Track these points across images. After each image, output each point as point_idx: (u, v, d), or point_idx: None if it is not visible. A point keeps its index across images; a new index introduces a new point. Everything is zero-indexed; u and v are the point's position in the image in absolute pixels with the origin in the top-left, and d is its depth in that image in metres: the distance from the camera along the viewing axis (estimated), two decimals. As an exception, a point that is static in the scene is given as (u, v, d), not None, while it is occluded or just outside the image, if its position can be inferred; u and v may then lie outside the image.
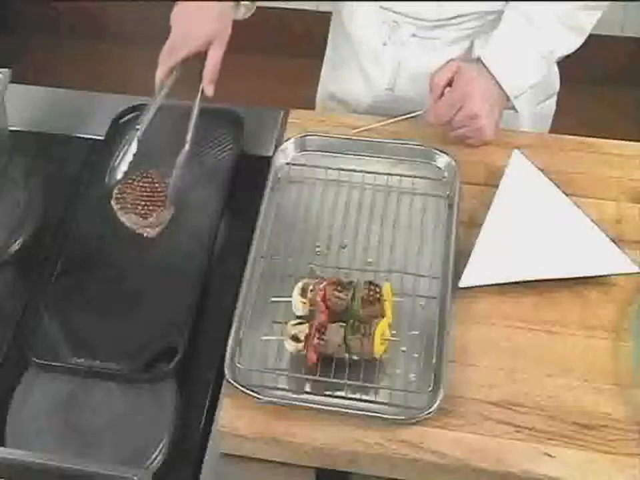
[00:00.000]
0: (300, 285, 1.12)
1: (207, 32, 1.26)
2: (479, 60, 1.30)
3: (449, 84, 1.30)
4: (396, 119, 1.35)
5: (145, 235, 1.25)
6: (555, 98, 1.57)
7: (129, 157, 1.26)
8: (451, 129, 1.31)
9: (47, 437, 1.08)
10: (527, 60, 1.31)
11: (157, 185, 1.26)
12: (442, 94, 1.29)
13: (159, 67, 1.27)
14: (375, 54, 1.45)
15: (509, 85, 1.30)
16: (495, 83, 1.29)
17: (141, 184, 1.26)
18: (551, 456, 1.03)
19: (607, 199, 1.27)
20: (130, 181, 1.26)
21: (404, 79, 1.45)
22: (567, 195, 1.24)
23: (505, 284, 1.16)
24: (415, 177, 1.28)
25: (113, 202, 1.25)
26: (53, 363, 1.13)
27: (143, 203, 1.24)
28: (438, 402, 1.04)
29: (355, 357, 1.08)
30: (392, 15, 1.39)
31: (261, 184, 1.28)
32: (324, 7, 2.62)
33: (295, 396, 1.08)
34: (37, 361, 1.12)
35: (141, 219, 1.24)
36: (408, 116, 1.35)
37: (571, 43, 1.34)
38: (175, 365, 1.11)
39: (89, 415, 1.09)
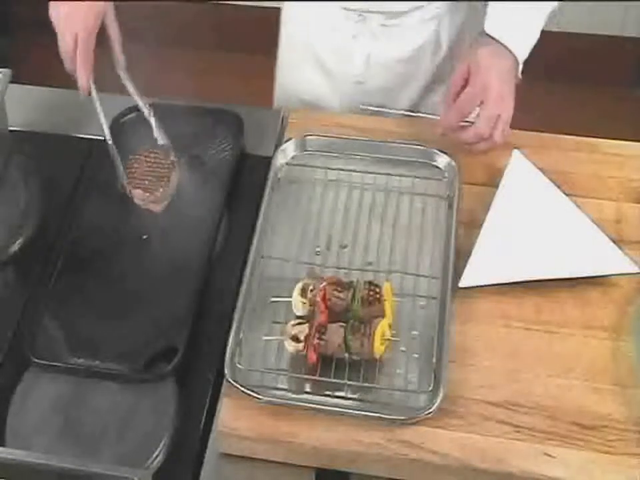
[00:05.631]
0: (300, 285, 1.12)
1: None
2: (484, 38, 1.28)
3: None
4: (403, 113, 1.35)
5: (151, 209, 1.25)
6: None
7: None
8: (463, 137, 1.29)
9: (47, 437, 1.08)
10: (530, 17, 1.30)
11: (162, 162, 1.26)
12: (455, 99, 1.28)
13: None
14: (341, 49, 1.45)
15: (519, 48, 1.28)
16: (508, 56, 1.28)
17: (147, 159, 1.26)
18: (551, 456, 1.03)
19: (607, 199, 1.27)
20: (138, 156, 1.27)
21: (375, 70, 1.45)
22: (566, 195, 1.24)
23: (504, 284, 1.16)
24: (415, 177, 1.28)
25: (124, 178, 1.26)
26: (53, 363, 1.13)
27: (149, 178, 1.25)
28: (438, 402, 1.04)
29: (355, 357, 1.08)
30: (356, 11, 1.40)
31: (261, 184, 1.28)
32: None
33: (294, 396, 1.08)
34: (37, 360, 1.12)
35: (147, 194, 1.24)
36: (419, 115, 1.35)
37: None
38: (175, 364, 1.11)
39: (89, 414, 1.09)
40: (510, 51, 1.27)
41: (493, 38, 1.27)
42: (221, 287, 1.21)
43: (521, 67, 1.30)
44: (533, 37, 1.30)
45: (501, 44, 1.27)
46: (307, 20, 1.47)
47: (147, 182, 1.25)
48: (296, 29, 1.51)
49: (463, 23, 1.47)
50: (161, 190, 1.24)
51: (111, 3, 1.25)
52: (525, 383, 1.09)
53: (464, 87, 1.28)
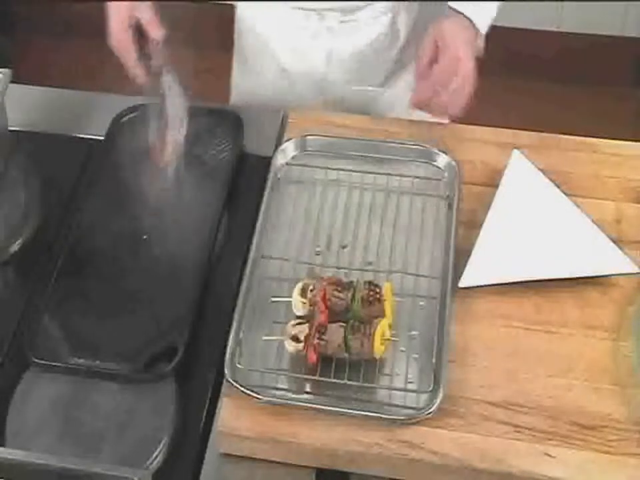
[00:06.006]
0: (300, 285, 1.12)
1: None
2: (448, 12, 1.30)
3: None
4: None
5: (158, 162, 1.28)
6: None
7: None
8: (433, 111, 1.30)
9: (47, 437, 1.08)
10: None
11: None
12: (424, 74, 1.29)
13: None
14: (301, 49, 1.46)
15: (481, 20, 1.31)
16: (470, 28, 1.30)
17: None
18: (551, 456, 1.03)
19: (607, 199, 1.27)
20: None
21: (336, 66, 1.47)
22: (566, 195, 1.24)
23: (504, 284, 1.16)
24: (415, 177, 1.28)
25: None
26: (53, 363, 1.13)
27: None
28: (438, 402, 1.04)
29: (355, 357, 1.08)
30: (315, 11, 1.41)
31: (260, 184, 1.28)
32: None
33: (295, 396, 1.08)
34: (37, 360, 1.12)
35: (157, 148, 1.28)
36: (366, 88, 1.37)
37: None
38: (175, 365, 1.11)
39: (89, 415, 1.09)
40: (472, 23, 1.30)
41: (456, 11, 1.29)
42: (221, 286, 1.21)
43: (482, 43, 1.32)
44: (493, 11, 1.33)
45: (464, 16, 1.29)
46: (263, 20, 1.48)
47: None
48: (251, 27, 1.50)
49: (419, 10, 1.49)
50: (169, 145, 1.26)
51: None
52: (524, 383, 1.09)
53: (432, 61, 1.28)
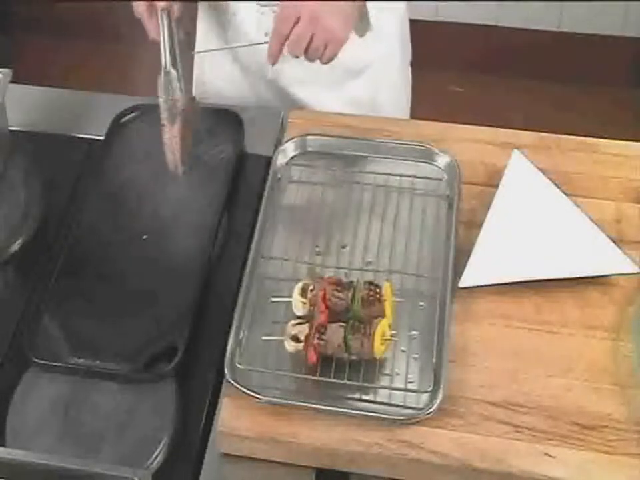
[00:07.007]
0: (300, 285, 1.12)
1: None
2: None
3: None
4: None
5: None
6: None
7: None
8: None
9: (47, 437, 1.08)
10: None
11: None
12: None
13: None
14: (255, 46, 1.43)
15: None
16: None
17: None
18: (551, 456, 1.03)
19: (607, 199, 1.27)
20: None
21: (288, 64, 1.42)
22: (567, 195, 1.24)
23: (504, 284, 1.16)
24: (415, 177, 1.28)
25: None
26: (53, 363, 1.13)
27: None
28: (438, 402, 1.04)
29: (355, 357, 1.08)
30: (270, 8, 1.40)
31: (260, 184, 1.28)
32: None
33: (295, 396, 1.08)
34: (37, 360, 1.12)
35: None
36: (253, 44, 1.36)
37: None
38: (175, 365, 1.11)
39: (89, 414, 1.09)
40: None
41: None
42: (221, 286, 1.21)
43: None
44: None
45: None
46: (223, 17, 1.47)
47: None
48: (212, 23, 1.50)
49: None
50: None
51: None
52: (524, 383, 1.09)
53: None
